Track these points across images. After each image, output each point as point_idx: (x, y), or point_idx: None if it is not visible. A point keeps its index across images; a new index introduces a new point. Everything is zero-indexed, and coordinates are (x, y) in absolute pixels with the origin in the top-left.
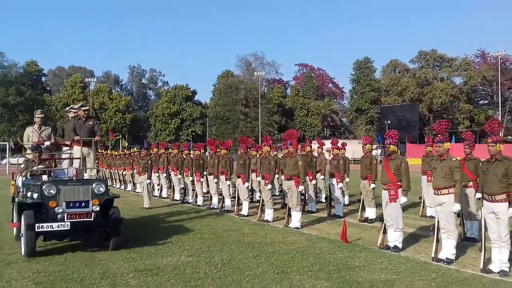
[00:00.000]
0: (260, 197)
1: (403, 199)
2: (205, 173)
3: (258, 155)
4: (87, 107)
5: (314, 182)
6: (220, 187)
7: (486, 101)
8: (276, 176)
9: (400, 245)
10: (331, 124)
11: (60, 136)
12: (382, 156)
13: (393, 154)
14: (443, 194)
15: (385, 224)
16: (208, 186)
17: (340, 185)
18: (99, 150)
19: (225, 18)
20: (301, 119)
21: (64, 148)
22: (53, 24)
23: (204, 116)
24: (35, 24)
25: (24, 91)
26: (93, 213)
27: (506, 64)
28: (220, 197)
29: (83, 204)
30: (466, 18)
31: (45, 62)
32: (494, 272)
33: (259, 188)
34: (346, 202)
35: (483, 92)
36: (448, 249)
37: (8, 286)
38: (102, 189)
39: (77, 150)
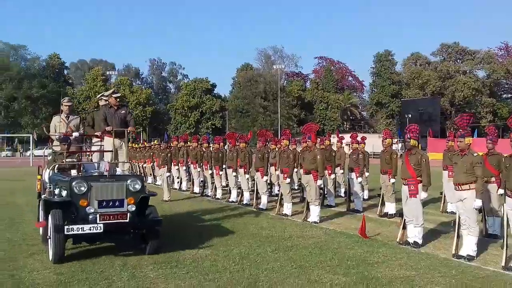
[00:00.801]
0: (279, 191)
1: (423, 195)
2: (224, 166)
3: (277, 149)
4: (119, 94)
5: (333, 176)
6: (239, 180)
7: (509, 95)
8: (295, 170)
9: (420, 241)
10: (351, 118)
11: (90, 127)
12: (403, 151)
13: (414, 149)
14: (464, 190)
15: (404, 219)
16: (227, 180)
17: (360, 179)
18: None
19: (244, 11)
20: (320, 113)
21: (94, 140)
22: (75, 17)
23: (223, 109)
24: (57, 17)
25: (46, 84)
26: (128, 214)
27: None
28: (239, 191)
29: (117, 203)
30: (489, 10)
31: (67, 55)
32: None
33: (278, 182)
34: (366, 197)
35: (506, 86)
36: (469, 246)
37: (30, 277)
38: (138, 186)
39: (108, 142)
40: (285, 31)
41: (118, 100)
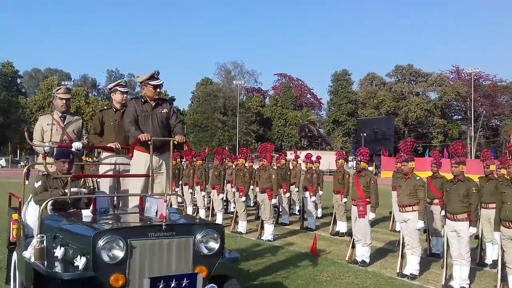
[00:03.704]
0: (234, 208)
1: (371, 215)
2: (180, 182)
3: (233, 166)
4: (160, 81)
5: (288, 194)
6: (195, 197)
7: (460, 117)
8: (252, 187)
9: (367, 260)
10: (309, 134)
11: (96, 134)
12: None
13: (363, 171)
14: (407, 212)
15: (354, 239)
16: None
17: (313, 198)
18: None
19: (205, 25)
20: (278, 129)
21: (104, 154)
22: (30, 24)
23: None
24: (11, 24)
25: None
26: None
27: (480, 80)
28: (194, 208)
29: (184, 284)
30: (441, 35)
31: (20, 64)
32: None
33: (234, 199)
34: (319, 215)
35: (457, 108)
36: (412, 265)
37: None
38: (214, 244)
39: (139, 160)
40: (245, 46)
41: (157, 90)
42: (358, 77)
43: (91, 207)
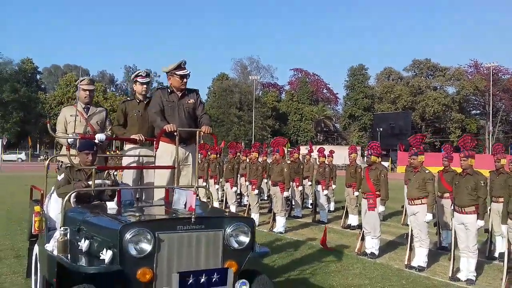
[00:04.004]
0: (247, 201)
1: (380, 208)
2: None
3: (247, 160)
4: (187, 71)
5: (300, 188)
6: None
7: (478, 111)
8: (265, 181)
9: (376, 252)
10: (325, 129)
11: (119, 126)
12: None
13: (374, 165)
14: (416, 205)
15: (363, 231)
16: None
17: (326, 192)
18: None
19: (221, 21)
20: (294, 124)
21: (127, 146)
22: (50, 21)
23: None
24: (31, 21)
25: (18, 88)
26: None
27: (499, 75)
28: (209, 200)
29: (214, 279)
30: (459, 29)
31: (40, 60)
32: (461, 281)
33: (247, 193)
34: (332, 209)
35: (475, 102)
36: (420, 257)
37: None
38: (244, 238)
39: (166, 151)
40: (261, 42)
41: (184, 80)
42: (375, 72)
43: (116, 199)
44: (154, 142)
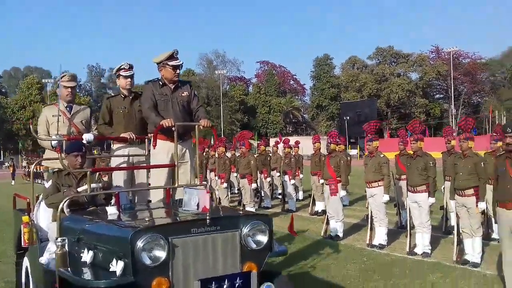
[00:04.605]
0: (217, 195)
1: (342, 193)
2: None
3: (216, 155)
4: (180, 61)
5: (269, 179)
6: None
7: (441, 95)
8: (235, 174)
9: (340, 234)
10: (294, 120)
11: (105, 124)
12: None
13: (333, 152)
14: (373, 187)
15: (327, 215)
16: None
17: (293, 181)
18: None
19: (184, 15)
20: (263, 117)
21: (115, 145)
22: (7, 23)
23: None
24: None
25: None
26: None
27: (459, 59)
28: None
29: (237, 284)
30: (421, 16)
31: None
32: (418, 254)
33: (217, 187)
34: (300, 198)
35: (438, 87)
36: (380, 236)
37: None
38: (262, 237)
39: (162, 148)
40: (226, 35)
41: (177, 71)
42: (340, 61)
43: (114, 203)
44: (151, 140)
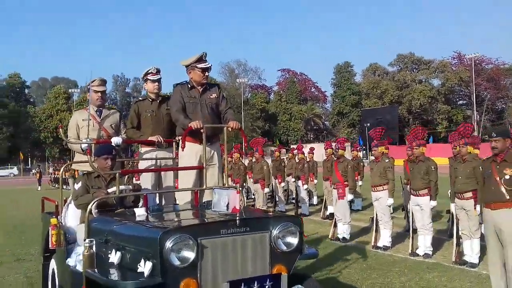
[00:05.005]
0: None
1: (349, 196)
2: None
3: (233, 161)
4: (209, 64)
5: (283, 184)
6: None
7: (464, 102)
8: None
9: (347, 237)
10: (315, 127)
11: (134, 128)
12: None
13: (341, 158)
14: (379, 191)
15: (335, 218)
16: None
17: (306, 186)
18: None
19: (206, 26)
20: (284, 124)
21: (143, 149)
22: (36, 35)
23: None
24: (18, 36)
25: (7, 103)
26: None
27: (482, 64)
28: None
29: (267, 287)
30: (442, 22)
31: (28, 74)
32: (420, 255)
33: None
34: (315, 202)
35: (461, 93)
36: (384, 238)
37: (3, 281)
38: (293, 239)
39: (190, 150)
40: (248, 44)
41: (206, 74)
42: (361, 68)
43: (142, 205)
44: (180, 143)
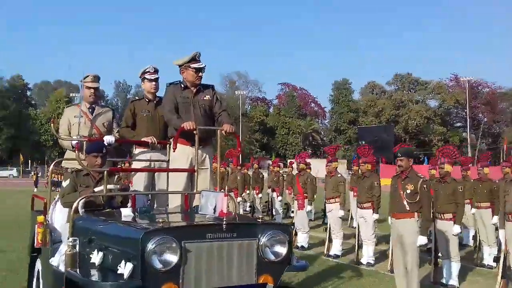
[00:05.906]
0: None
1: (308, 207)
2: None
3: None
4: (203, 64)
5: (260, 195)
6: None
7: (460, 124)
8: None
9: (306, 245)
10: (313, 143)
11: (127, 128)
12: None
13: (302, 171)
14: (331, 203)
15: (295, 228)
16: None
17: (280, 198)
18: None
19: (208, 37)
20: (282, 138)
21: (137, 150)
22: (39, 38)
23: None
24: (21, 38)
25: (9, 104)
26: None
27: (479, 88)
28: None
29: None
30: (440, 44)
31: (30, 76)
32: (363, 264)
33: None
34: (292, 215)
35: (458, 115)
36: (335, 246)
37: None
38: (281, 249)
39: (182, 153)
40: (249, 57)
41: (199, 74)
42: (359, 86)
43: (129, 205)
44: (171, 144)
